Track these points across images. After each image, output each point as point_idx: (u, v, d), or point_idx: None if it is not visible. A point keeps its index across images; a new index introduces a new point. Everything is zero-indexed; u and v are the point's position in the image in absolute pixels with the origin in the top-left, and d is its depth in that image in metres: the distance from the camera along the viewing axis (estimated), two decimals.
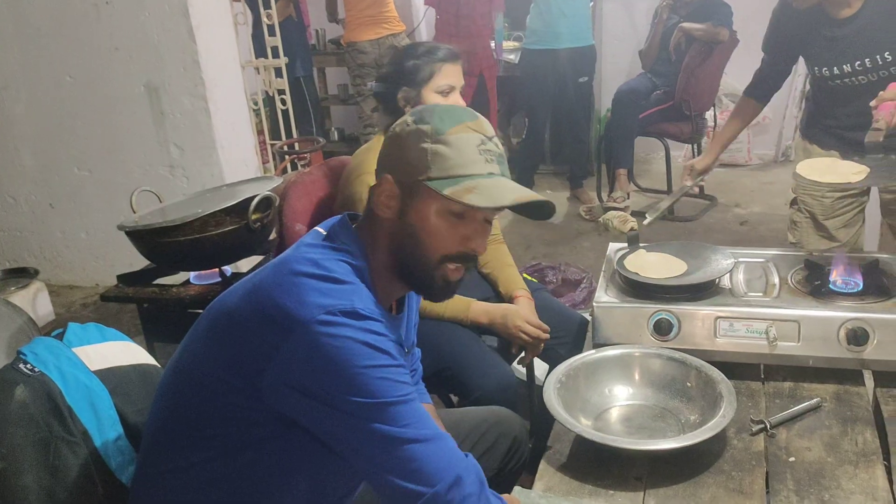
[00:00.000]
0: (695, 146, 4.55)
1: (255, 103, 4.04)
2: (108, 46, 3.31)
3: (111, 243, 3.61)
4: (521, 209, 1.18)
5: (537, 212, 1.21)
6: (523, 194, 1.14)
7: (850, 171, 1.71)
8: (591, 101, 4.88)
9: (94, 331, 1.31)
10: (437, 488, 1.05)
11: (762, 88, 2.40)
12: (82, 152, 3.56)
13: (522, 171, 4.71)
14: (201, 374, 1.14)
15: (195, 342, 1.18)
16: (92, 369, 1.24)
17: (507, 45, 5.34)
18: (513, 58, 5.14)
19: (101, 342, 1.29)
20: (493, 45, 4.97)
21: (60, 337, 1.27)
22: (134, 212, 2.46)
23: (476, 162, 1.13)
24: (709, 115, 4.60)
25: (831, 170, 1.73)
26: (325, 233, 1.21)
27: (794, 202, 2.41)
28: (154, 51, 3.24)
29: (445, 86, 1.89)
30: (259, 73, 3.93)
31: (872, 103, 2.03)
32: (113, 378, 1.26)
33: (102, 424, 1.20)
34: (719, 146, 2.42)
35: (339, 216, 1.25)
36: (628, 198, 4.45)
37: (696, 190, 2.38)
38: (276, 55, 3.84)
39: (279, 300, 1.07)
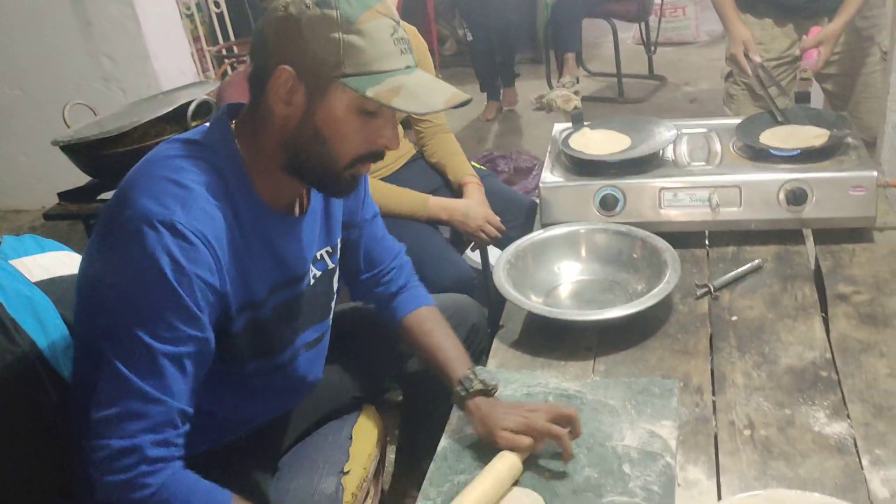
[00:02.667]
0: (642, 25, 4.49)
1: (188, 8, 3.87)
2: None
3: (53, 163, 3.46)
4: None
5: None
6: (453, 96, 1.07)
7: (812, 136, 1.70)
8: None
9: (32, 242, 1.28)
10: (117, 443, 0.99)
11: None
12: (11, 71, 3.40)
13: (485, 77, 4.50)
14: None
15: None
16: (32, 281, 1.21)
17: None
18: None
19: (40, 253, 1.27)
20: None
21: None
22: (68, 126, 2.38)
23: (392, 54, 1.03)
24: None
25: (793, 136, 1.72)
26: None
27: (729, 75, 2.41)
28: None
29: None
30: None
31: (796, 52, 2.04)
32: (56, 288, 1.23)
33: (49, 334, 1.18)
34: (735, 7, 2.28)
35: (220, 109, 1.15)
36: (577, 82, 4.40)
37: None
38: None
39: (115, 195, 1.04)
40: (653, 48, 4.60)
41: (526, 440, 1.13)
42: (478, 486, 1.07)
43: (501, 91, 4.52)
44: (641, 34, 4.58)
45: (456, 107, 1.09)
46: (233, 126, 1.12)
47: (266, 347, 1.19)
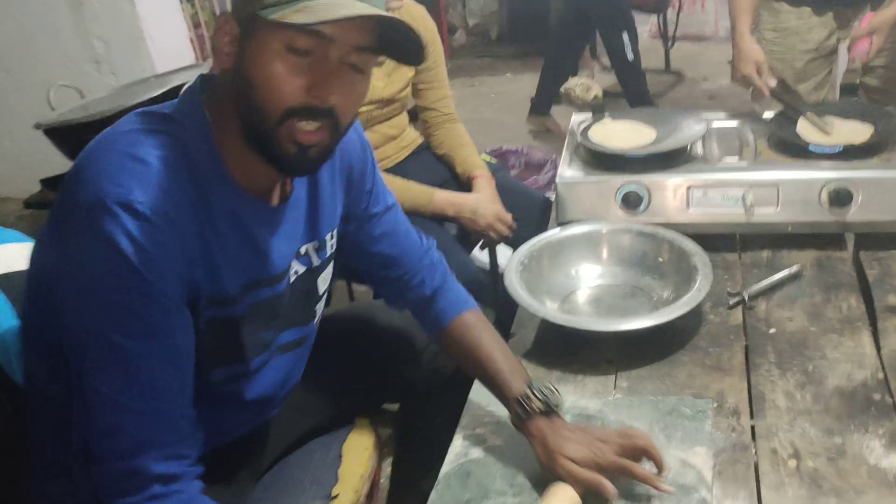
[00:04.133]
0: (660, 17, 4.35)
1: None
2: None
3: (39, 150, 3.33)
4: (383, 44, 0.94)
5: (400, 47, 0.96)
6: (362, 8, 0.88)
7: (855, 131, 1.55)
8: None
9: None
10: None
11: None
12: None
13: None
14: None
15: None
16: None
17: None
18: None
19: None
20: None
21: None
22: (53, 109, 2.27)
23: None
24: None
25: (834, 131, 1.57)
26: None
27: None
28: None
29: None
30: None
31: (846, 44, 1.87)
32: (13, 285, 1.10)
33: (2, 336, 1.05)
34: (748, 21, 2.07)
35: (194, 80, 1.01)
36: (593, 77, 4.26)
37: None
38: None
39: (69, 174, 0.91)
40: (670, 42, 4.46)
41: (590, 476, 0.99)
42: None
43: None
44: (659, 27, 4.44)
45: (387, 47, 0.94)
46: (204, 98, 0.99)
47: (234, 351, 1.05)
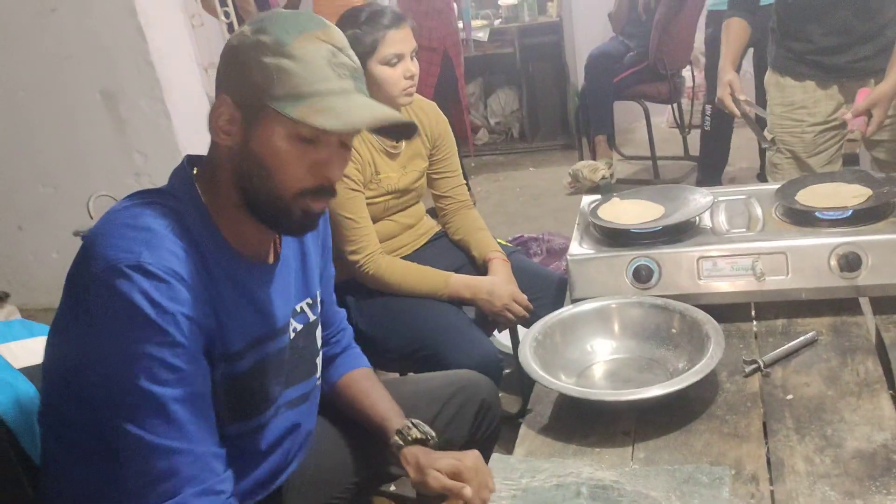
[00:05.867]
0: (675, 107, 4.45)
1: None
2: (59, 55, 3.20)
3: None
4: (382, 129, 1.08)
5: (400, 131, 1.10)
6: (381, 114, 1.01)
7: (851, 195, 1.59)
8: None
9: (20, 327, 1.22)
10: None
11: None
12: (45, 168, 3.44)
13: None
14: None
15: None
16: (17, 367, 1.14)
17: (476, 23, 5.23)
18: (481, 35, 5.04)
19: (28, 338, 1.19)
20: (461, 24, 4.87)
21: None
22: (91, 218, 2.37)
23: (327, 78, 0.98)
24: (686, 73, 4.50)
25: (833, 195, 1.62)
26: None
27: (772, 143, 2.27)
28: (106, 55, 3.13)
29: (392, 55, 1.75)
30: None
31: (847, 116, 1.94)
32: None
33: (31, 424, 1.09)
34: (732, 58, 2.22)
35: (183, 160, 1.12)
36: (611, 166, 4.34)
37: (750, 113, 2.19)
38: None
39: (78, 254, 1.00)
40: (687, 129, 4.54)
41: (453, 484, 1.11)
42: None
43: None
44: (675, 117, 4.53)
45: (387, 131, 1.08)
46: (195, 172, 1.08)
47: (244, 406, 1.10)
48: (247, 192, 1.03)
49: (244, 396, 1.09)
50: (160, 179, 3.47)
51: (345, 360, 1.39)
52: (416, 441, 1.21)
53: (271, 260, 1.14)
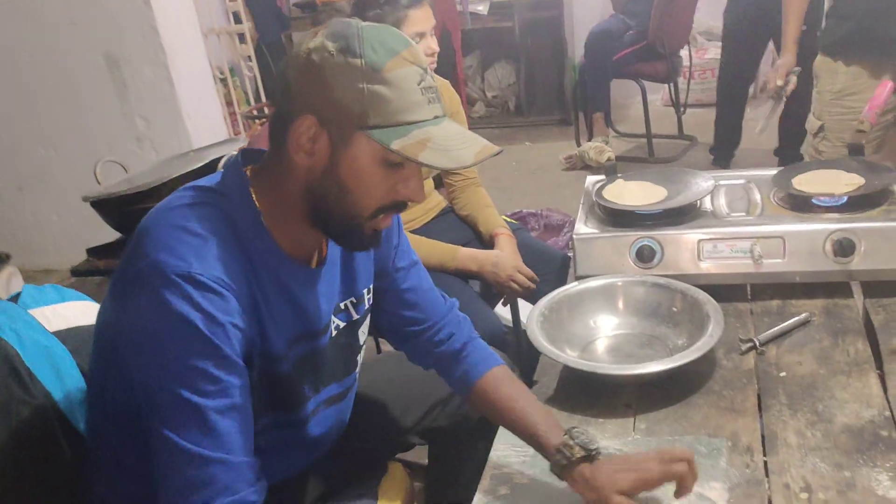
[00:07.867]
0: (671, 86, 4.49)
1: (221, 73, 3.95)
2: (64, 21, 3.20)
3: (84, 224, 3.49)
4: None
5: None
6: (483, 150, 1.00)
7: (844, 183, 1.63)
8: None
9: (52, 292, 1.26)
10: None
11: None
12: (46, 131, 3.46)
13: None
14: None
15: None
16: (51, 330, 1.18)
17: None
18: (481, 9, 5.04)
19: (60, 302, 1.24)
20: None
21: (16, 300, 1.21)
22: (99, 183, 2.40)
23: (420, 104, 0.97)
24: (684, 53, 4.53)
25: (829, 180, 1.65)
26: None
27: (819, 130, 2.24)
28: (111, 21, 3.14)
29: (414, 34, 1.77)
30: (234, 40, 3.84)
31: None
32: (74, 338, 1.20)
33: (66, 385, 1.15)
34: (793, 39, 2.28)
35: (234, 155, 1.11)
36: (608, 142, 4.39)
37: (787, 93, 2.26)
38: (238, 20, 3.75)
39: (130, 246, 1.00)
40: (682, 109, 4.59)
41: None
42: None
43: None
44: (671, 95, 4.57)
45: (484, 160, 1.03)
46: (248, 172, 1.08)
47: (282, 401, 1.13)
48: (318, 208, 1.03)
49: (282, 392, 1.11)
50: (162, 144, 3.52)
51: (475, 359, 1.28)
52: (581, 459, 1.08)
53: (316, 263, 1.15)
